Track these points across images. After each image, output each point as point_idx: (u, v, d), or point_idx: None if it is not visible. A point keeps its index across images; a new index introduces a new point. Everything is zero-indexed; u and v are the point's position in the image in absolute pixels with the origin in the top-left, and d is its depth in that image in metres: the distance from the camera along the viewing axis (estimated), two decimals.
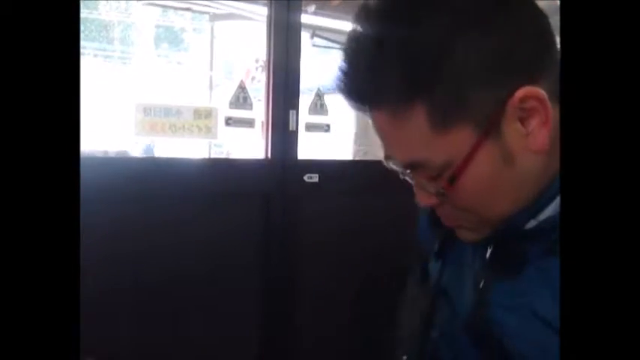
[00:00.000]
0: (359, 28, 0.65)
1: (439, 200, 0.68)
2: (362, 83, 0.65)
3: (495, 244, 0.73)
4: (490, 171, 0.65)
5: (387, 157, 0.71)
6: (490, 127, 0.63)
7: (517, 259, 0.69)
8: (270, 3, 2.00)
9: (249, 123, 2.02)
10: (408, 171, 0.69)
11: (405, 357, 0.90)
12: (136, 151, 2.49)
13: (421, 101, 0.62)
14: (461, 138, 0.63)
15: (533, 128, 0.64)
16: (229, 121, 1.99)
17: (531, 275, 0.68)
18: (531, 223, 0.69)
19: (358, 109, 0.67)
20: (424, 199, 0.70)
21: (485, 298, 0.72)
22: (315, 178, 2.04)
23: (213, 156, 2.54)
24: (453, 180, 0.65)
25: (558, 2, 0.56)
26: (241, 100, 2.01)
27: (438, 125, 0.62)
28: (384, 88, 0.63)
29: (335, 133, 2.25)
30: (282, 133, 1.99)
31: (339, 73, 0.65)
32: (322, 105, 2.17)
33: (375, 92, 0.64)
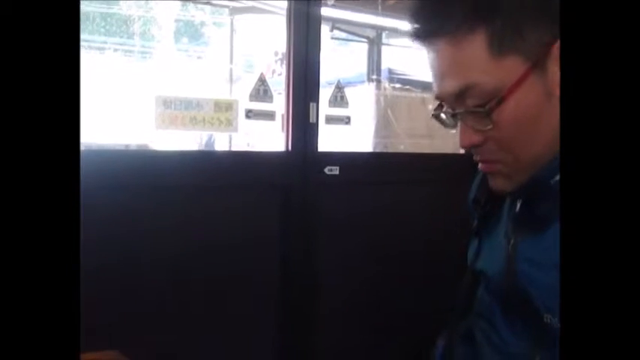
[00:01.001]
0: None
1: (482, 137, 0.75)
2: (434, 12, 0.75)
3: (524, 200, 0.80)
4: (533, 102, 0.73)
5: (438, 107, 0.80)
6: (537, 62, 0.72)
7: (543, 214, 0.75)
8: None
9: (269, 115, 2.02)
10: (457, 109, 0.76)
11: (441, 342, 0.92)
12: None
13: (483, 28, 0.72)
14: (512, 66, 0.72)
15: None
16: (250, 114, 1.99)
17: (556, 230, 0.70)
18: (556, 178, 0.74)
19: (424, 41, 0.77)
20: (468, 138, 0.77)
21: (513, 254, 0.78)
22: (335, 170, 2.05)
23: (233, 148, 2.55)
24: (500, 102, 0.72)
25: None
26: (262, 92, 2.01)
27: (495, 51, 0.72)
28: (454, 14, 0.74)
29: (355, 125, 2.25)
30: (303, 125, 2.00)
31: (410, 13, 0.77)
32: (342, 97, 2.17)
33: (444, 19, 0.74)
